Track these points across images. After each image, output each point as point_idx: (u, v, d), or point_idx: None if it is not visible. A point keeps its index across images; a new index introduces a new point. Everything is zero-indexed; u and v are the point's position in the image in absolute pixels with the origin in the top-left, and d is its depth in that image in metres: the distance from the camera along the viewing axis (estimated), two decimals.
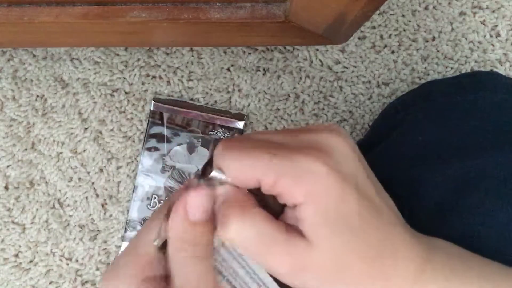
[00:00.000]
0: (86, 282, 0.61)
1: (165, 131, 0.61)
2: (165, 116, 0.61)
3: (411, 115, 0.42)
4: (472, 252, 0.29)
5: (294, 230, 0.23)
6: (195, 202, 0.23)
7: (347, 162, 0.24)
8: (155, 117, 0.61)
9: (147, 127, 0.61)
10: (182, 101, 0.62)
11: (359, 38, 0.64)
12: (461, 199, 0.33)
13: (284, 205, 0.25)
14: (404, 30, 0.64)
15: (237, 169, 0.23)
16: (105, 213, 0.62)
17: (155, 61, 0.63)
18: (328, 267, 0.23)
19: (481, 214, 0.32)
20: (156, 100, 0.62)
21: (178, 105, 0.62)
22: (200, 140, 0.61)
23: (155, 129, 0.61)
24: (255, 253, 0.23)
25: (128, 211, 0.61)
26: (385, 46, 0.64)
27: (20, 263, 0.61)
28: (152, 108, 0.61)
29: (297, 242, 0.23)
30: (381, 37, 0.64)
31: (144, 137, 0.61)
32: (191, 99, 0.63)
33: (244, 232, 0.23)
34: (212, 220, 0.24)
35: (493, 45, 0.64)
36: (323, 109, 0.63)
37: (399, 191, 0.35)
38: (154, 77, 0.63)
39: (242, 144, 0.24)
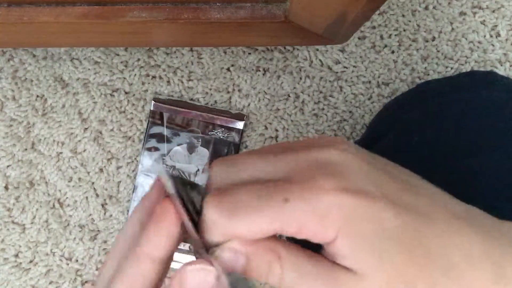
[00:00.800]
0: (86, 282, 0.61)
1: (165, 131, 0.61)
2: (165, 116, 0.61)
3: (407, 115, 0.42)
4: None
5: (336, 264, 0.21)
6: (196, 282, 0.20)
7: (365, 177, 0.21)
8: (155, 117, 0.61)
9: (147, 127, 0.61)
10: (182, 101, 0.62)
11: (359, 38, 0.64)
12: (463, 197, 0.33)
13: None
14: (404, 30, 0.64)
15: (249, 231, 0.20)
16: (105, 213, 0.62)
17: (155, 61, 0.63)
18: None
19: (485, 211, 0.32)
20: (156, 100, 0.62)
21: (178, 105, 0.62)
22: (200, 140, 0.61)
23: (155, 129, 0.61)
24: None
25: (128, 211, 0.61)
26: (385, 46, 0.64)
27: (20, 263, 0.61)
28: (152, 108, 0.61)
29: (343, 277, 0.20)
30: (381, 37, 0.64)
31: (144, 137, 0.61)
32: (191, 99, 0.63)
33: (286, 276, 0.20)
34: None
35: (493, 45, 0.64)
36: (323, 109, 0.63)
37: None
38: (154, 77, 0.63)
39: (237, 199, 0.20)
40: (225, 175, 0.22)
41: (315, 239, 0.21)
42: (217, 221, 0.20)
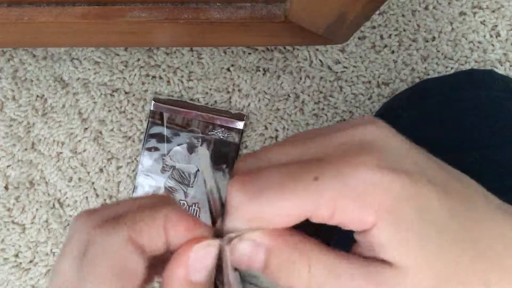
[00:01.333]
0: None
1: (165, 131, 0.61)
2: (165, 116, 0.61)
3: (406, 114, 0.42)
4: None
5: (371, 259, 0.19)
6: (201, 262, 0.19)
7: (407, 157, 0.19)
8: (155, 117, 0.61)
9: (147, 127, 0.61)
10: (182, 101, 0.62)
11: (359, 38, 0.64)
12: None
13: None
14: (404, 30, 0.64)
15: (276, 214, 0.18)
16: None
17: (155, 61, 0.63)
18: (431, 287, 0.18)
19: None
20: (156, 100, 0.62)
21: (178, 105, 0.62)
22: (200, 140, 0.61)
23: (155, 129, 0.61)
24: None
25: None
26: (385, 46, 0.64)
27: (20, 263, 0.61)
28: (152, 108, 0.61)
29: (382, 272, 0.18)
30: (381, 37, 0.64)
31: (144, 137, 0.62)
32: (191, 99, 0.63)
33: (315, 280, 0.18)
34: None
35: (493, 45, 0.64)
36: (323, 109, 0.63)
37: None
38: (154, 77, 0.63)
39: (263, 179, 0.18)
40: (251, 163, 0.20)
41: (351, 224, 0.18)
42: (241, 202, 0.18)
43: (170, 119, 0.61)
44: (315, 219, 0.18)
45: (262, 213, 0.18)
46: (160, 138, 0.61)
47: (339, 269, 0.18)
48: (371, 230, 0.18)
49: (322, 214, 0.18)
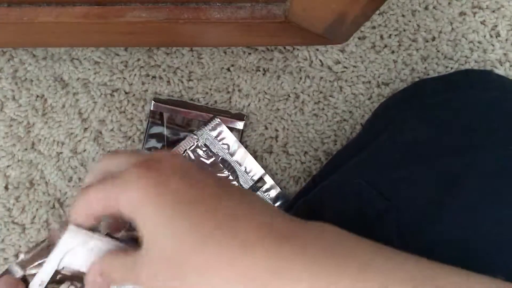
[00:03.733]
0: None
1: (165, 131, 0.61)
2: (165, 116, 0.61)
3: (402, 114, 0.42)
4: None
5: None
6: None
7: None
8: (155, 117, 0.61)
9: (147, 127, 0.61)
10: (182, 101, 0.62)
11: (359, 38, 0.64)
12: (450, 196, 0.33)
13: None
14: (404, 30, 0.64)
15: (82, 207, 0.26)
16: None
17: (155, 61, 0.63)
18: (160, 263, 0.23)
19: (470, 212, 0.32)
20: (156, 100, 0.62)
21: (178, 105, 0.62)
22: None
23: (155, 129, 0.61)
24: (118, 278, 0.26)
25: None
26: (385, 46, 0.64)
27: None
28: (152, 108, 0.61)
29: (131, 254, 0.25)
30: (381, 37, 0.64)
31: (144, 137, 0.62)
32: (191, 99, 0.63)
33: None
34: None
35: (493, 45, 0.64)
36: (323, 109, 0.63)
37: (388, 191, 0.35)
38: (154, 77, 0.63)
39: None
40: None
41: (123, 213, 0.25)
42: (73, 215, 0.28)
43: (170, 119, 0.61)
44: (110, 210, 0.26)
45: (75, 211, 0.27)
46: (160, 138, 0.61)
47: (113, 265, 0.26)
48: (129, 215, 0.24)
49: (110, 205, 0.26)
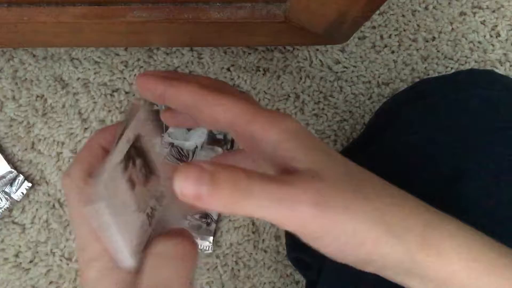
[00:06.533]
0: None
1: (165, 131, 0.61)
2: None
3: (404, 114, 0.42)
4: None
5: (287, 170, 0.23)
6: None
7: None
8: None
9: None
10: None
11: (359, 38, 0.64)
12: (455, 192, 0.33)
13: None
14: (404, 30, 0.64)
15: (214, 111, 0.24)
16: None
17: (155, 61, 0.63)
18: (345, 182, 0.22)
19: (471, 207, 0.32)
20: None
21: None
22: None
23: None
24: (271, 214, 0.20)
25: None
26: (385, 46, 0.64)
27: (20, 263, 0.61)
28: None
29: (298, 179, 0.21)
30: (381, 37, 0.64)
31: None
32: None
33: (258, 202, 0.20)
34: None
35: (493, 45, 0.64)
36: (323, 109, 0.63)
37: None
38: None
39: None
40: None
41: (256, 136, 0.23)
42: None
43: None
44: (232, 126, 0.24)
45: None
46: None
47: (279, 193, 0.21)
48: (277, 145, 0.22)
49: (242, 120, 0.23)
